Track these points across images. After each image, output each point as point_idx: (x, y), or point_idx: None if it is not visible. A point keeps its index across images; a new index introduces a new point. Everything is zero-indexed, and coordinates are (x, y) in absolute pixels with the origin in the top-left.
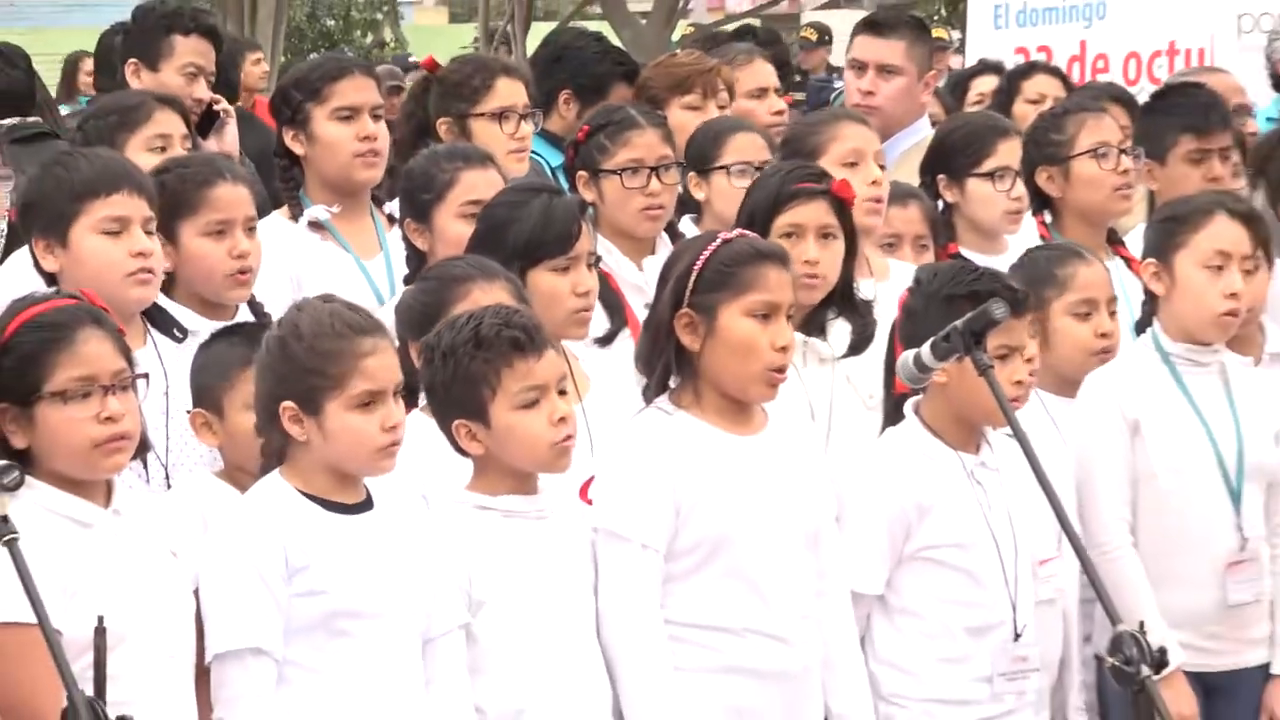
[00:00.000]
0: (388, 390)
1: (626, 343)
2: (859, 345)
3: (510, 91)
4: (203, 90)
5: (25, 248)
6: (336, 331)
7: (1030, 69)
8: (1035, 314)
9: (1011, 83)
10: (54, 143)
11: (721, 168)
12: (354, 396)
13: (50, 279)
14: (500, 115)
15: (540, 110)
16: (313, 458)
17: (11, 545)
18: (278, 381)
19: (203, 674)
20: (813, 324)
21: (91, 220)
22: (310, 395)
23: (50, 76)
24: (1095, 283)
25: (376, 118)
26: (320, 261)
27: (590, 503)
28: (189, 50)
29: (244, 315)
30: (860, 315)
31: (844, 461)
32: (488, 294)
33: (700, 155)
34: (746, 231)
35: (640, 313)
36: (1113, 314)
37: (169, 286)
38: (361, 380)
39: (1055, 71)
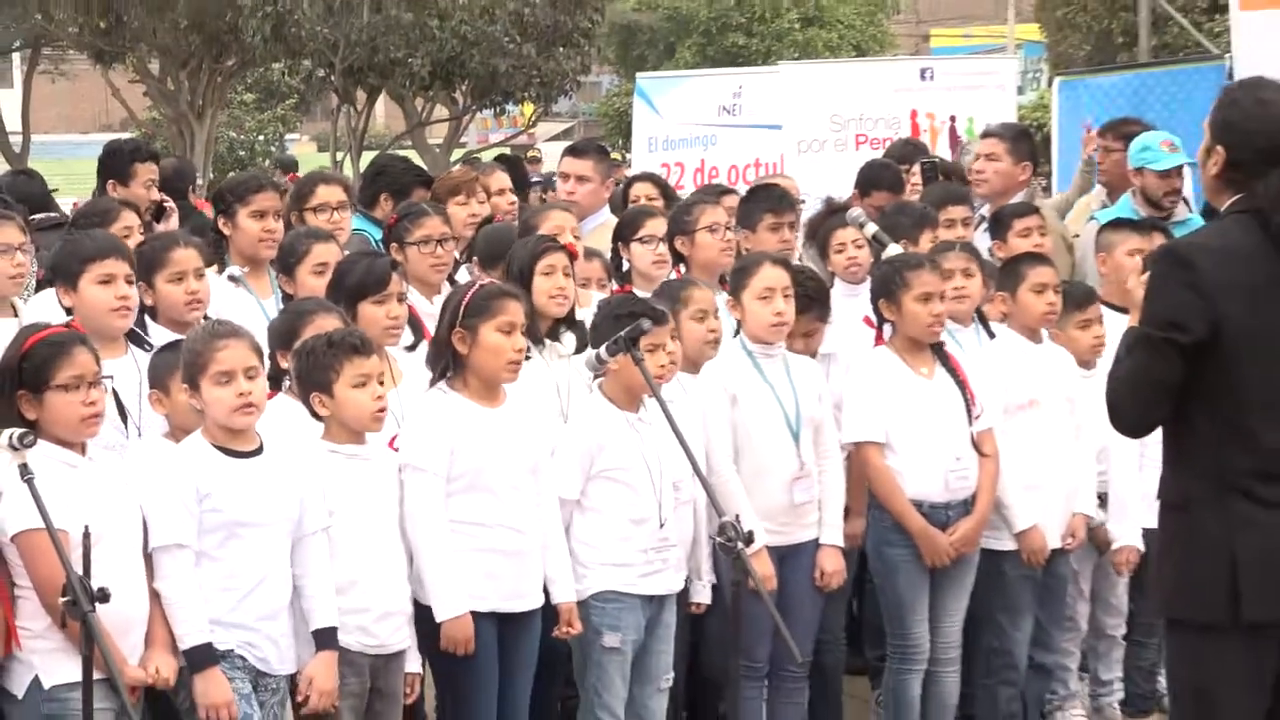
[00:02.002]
0: (236, 371)
1: (424, 350)
2: (580, 348)
3: (326, 193)
4: (155, 193)
5: (46, 290)
6: (203, 336)
7: (635, 179)
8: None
9: (626, 188)
10: (63, 230)
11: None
12: (213, 375)
13: (68, 311)
14: (316, 209)
15: (359, 203)
16: (209, 420)
17: (30, 482)
18: (182, 373)
19: (149, 560)
20: (554, 334)
21: (92, 276)
22: (192, 377)
23: (64, 188)
24: (706, 298)
25: (277, 217)
26: (236, 302)
27: (396, 450)
28: (146, 171)
29: None
30: (580, 328)
31: (572, 418)
32: (326, 320)
33: (489, 256)
34: (492, 280)
35: (433, 331)
36: (716, 317)
37: (153, 314)
38: (215, 364)
39: (653, 179)
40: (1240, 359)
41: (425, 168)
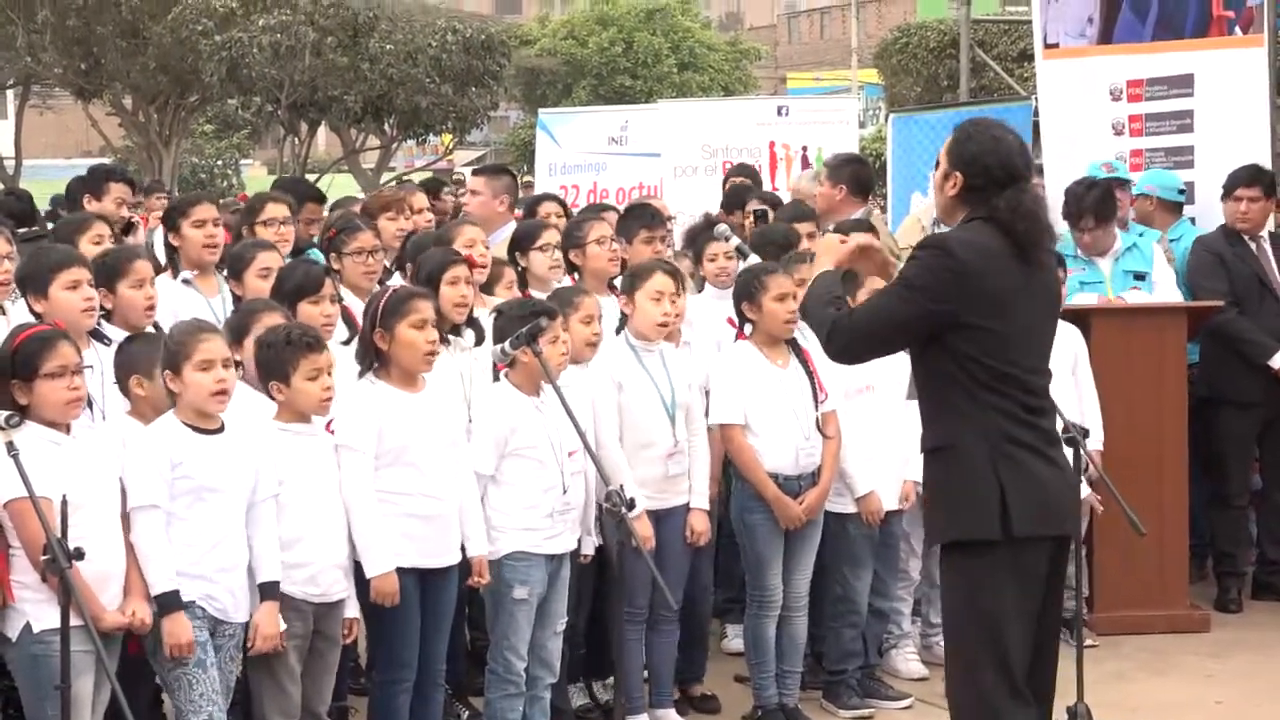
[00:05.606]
0: (216, 360)
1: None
2: (479, 341)
3: (274, 209)
4: (124, 211)
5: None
6: (188, 329)
7: (542, 198)
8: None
9: (531, 207)
10: (43, 241)
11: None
12: (197, 362)
13: (37, 316)
14: (266, 222)
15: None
16: (183, 401)
17: (15, 458)
18: (163, 360)
19: (125, 520)
20: (457, 331)
21: (60, 283)
22: (176, 364)
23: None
24: (593, 305)
25: (216, 225)
26: (188, 302)
27: (332, 432)
28: (118, 190)
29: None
30: (480, 326)
31: (485, 405)
32: (271, 317)
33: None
34: (403, 285)
35: None
36: (600, 322)
37: (110, 316)
38: (199, 353)
39: (555, 198)
40: (995, 331)
41: (317, 186)
